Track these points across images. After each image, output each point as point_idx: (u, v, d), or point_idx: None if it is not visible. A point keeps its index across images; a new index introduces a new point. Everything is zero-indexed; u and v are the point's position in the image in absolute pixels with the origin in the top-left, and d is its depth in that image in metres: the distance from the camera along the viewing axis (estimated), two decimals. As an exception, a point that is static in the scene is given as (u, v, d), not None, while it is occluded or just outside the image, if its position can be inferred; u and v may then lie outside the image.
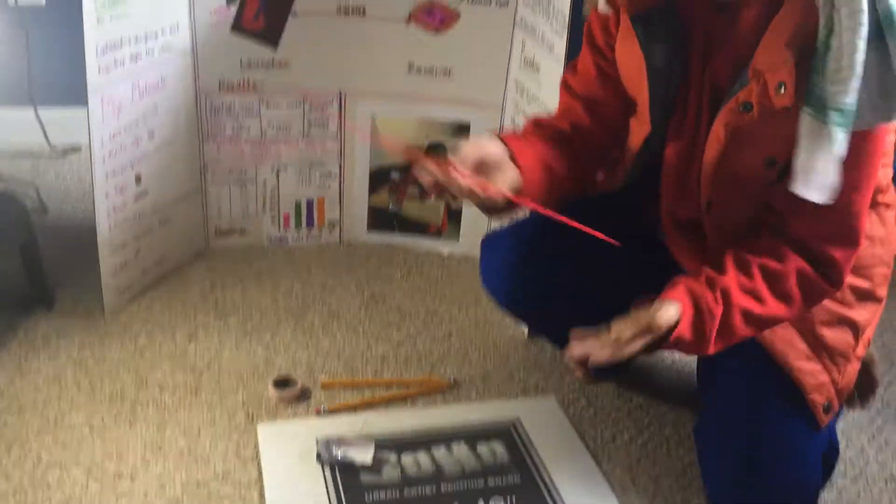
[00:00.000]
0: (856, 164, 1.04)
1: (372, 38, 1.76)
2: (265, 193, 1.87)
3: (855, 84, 0.98)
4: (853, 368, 1.22)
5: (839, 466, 1.40)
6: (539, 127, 1.28)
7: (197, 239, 1.86)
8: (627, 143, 1.28)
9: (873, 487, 1.37)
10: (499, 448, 1.38)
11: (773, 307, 1.10)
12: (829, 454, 1.23)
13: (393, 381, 1.53)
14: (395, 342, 1.64)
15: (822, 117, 1.00)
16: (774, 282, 1.09)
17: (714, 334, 1.08)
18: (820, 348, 1.18)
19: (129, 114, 1.57)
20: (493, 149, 1.13)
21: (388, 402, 1.47)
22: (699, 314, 1.08)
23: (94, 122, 1.48)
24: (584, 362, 1.55)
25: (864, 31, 0.96)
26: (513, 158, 1.14)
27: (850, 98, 0.98)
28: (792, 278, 1.09)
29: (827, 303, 1.17)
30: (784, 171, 1.07)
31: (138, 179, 1.64)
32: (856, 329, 1.21)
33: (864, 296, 1.21)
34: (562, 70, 1.49)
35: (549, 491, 1.30)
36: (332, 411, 1.43)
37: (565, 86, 1.33)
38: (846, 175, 1.03)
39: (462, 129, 1.84)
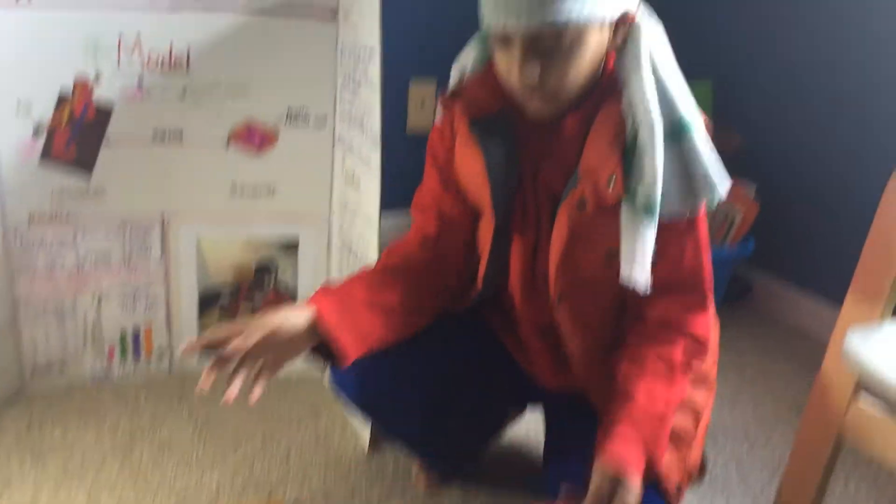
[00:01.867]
0: (691, 241, 1.18)
1: (191, 161, 1.75)
2: (86, 326, 1.79)
3: (657, 182, 1.09)
4: (696, 454, 1.29)
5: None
6: (383, 273, 1.31)
7: (11, 379, 1.74)
8: (479, 249, 1.33)
9: (707, 562, 1.42)
10: (341, 568, 1.34)
11: (678, 392, 1.19)
12: None
13: (229, 510, 1.46)
14: (230, 468, 1.58)
15: (636, 209, 1.11)
16: (670, 375, 1.18)
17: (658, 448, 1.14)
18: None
19: (-73, 253, 1.49)
20: (291, 323, 1.13)
21: (224, 534, 1.41)
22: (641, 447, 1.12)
23: None
24: (426, 471, 1.56)
25: (658, 136, 1.09)
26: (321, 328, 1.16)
27: (655, 194, 1.09)
28: (679, 368, 1.18)
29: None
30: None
31: (-61, 321, 1.54)
32: (696, 413, 1.27)
33: (699, 379, 1.28)
34: (379, 183, 1.54)
35: None
36: (163, 551, 1.35)
37: (415, 205, 1.37)
38: (685, 252, 1.18)
39: (291, 247, 1.85)
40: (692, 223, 1.19)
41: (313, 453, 1.64)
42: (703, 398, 1.29)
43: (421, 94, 2.46)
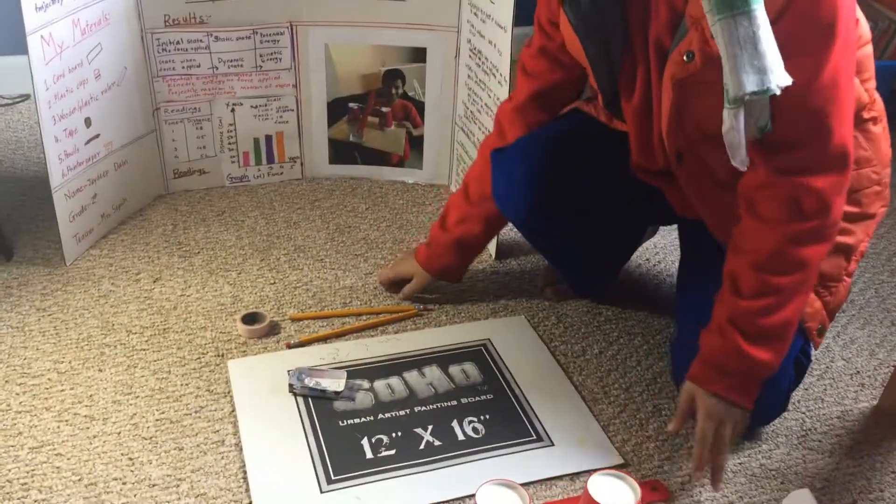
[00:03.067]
0: (819, 91, 1.03)
1: (320, -36, 1.71)
2: (222, 131, 1.83)
3: None
4: (844, 286, 1.24)
5: (806, 365, 1.42)
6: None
7: (156, 181, 1.83)
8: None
9: (839, 383, 1.40)
10: (471, 368, 1.39)
11: (788, 282, 1.10)
12: (802, 359, 1.24)
13: (363, 310, 1.52)
14: (362, 272, 1.63)
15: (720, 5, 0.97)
16: (773, 269, 1.10)
17: (736, 353, 1.11)
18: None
19: (73, 54, 1.52)
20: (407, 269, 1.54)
21: (359, 332, 1.47)
22: (708, 363, 1.14)
23: (36, 63, 1.43)
24: (553, 283, 1.58)
25: None
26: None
27: None
28: (787, 251, 1.09)
29: None
30: None
31: (88, 122, 1.60)
32: (849, 251, 1.22)
33: (856, 218, 1.22)
34: (514, -15, 1.46)
35: (521, 405, 1.32)
36: (303, 343, 1.43)
37: (522, 66, 1.38)
38: (812, 102, 1.03)
39: (418, 54, 1.81)
40: (820, 64, 1.01)
41: (441, 261, 1.67)
42: (860, 235, 1.23)
43: None
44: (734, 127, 1.00)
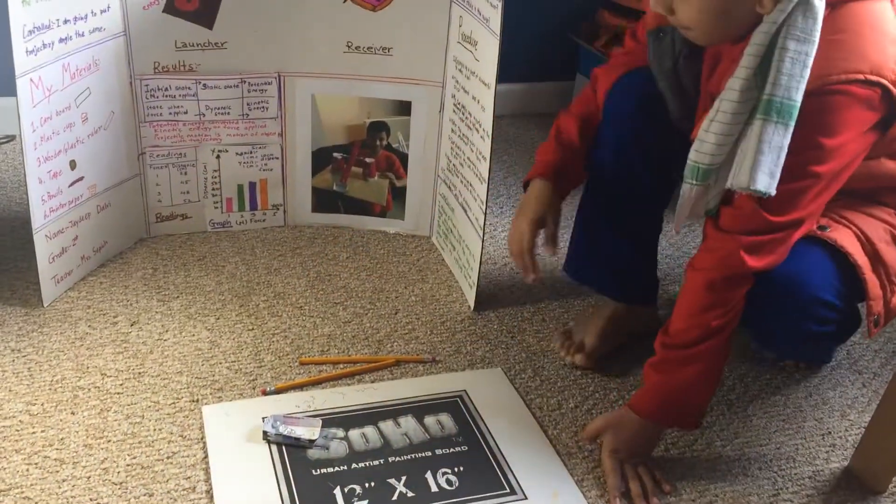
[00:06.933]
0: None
1: (309, 17, 1.74)
2: (206, 177, 1.85)
3: (781, 84, 1.07)
4: None
5: (779, 423, 1.44)
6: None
7: (138, 224, 1.84)
8: None
9: (810, 443, 1.41)
10: (446, 420, 1.39)
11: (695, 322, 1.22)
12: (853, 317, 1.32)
13: (372, 358, 1.53)
14: (341, 321, 1.64)
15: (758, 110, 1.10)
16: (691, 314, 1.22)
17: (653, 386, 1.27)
18: (878, 264, 1.25)
19: (61, 97, 1.54)
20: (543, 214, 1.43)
21: (336, 380, 1.47)
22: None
23: (24, 105, 1.45)
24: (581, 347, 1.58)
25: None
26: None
27: (776, 95, 1.08)
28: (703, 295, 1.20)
29: (884, 221, 1.28)
30: None
31: (73, 165, 1.61)
32: None
33: None
34: (498, 43, 1.50)
35: (496, 458, 1.32)
36: (279, 390, 1.43)
37: (632, 31, 1.47)
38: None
39: (403, 107, 1.84)
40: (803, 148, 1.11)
41: (420, 312, 1.68)
42: None
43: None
44: (687, 197, 1.15)
